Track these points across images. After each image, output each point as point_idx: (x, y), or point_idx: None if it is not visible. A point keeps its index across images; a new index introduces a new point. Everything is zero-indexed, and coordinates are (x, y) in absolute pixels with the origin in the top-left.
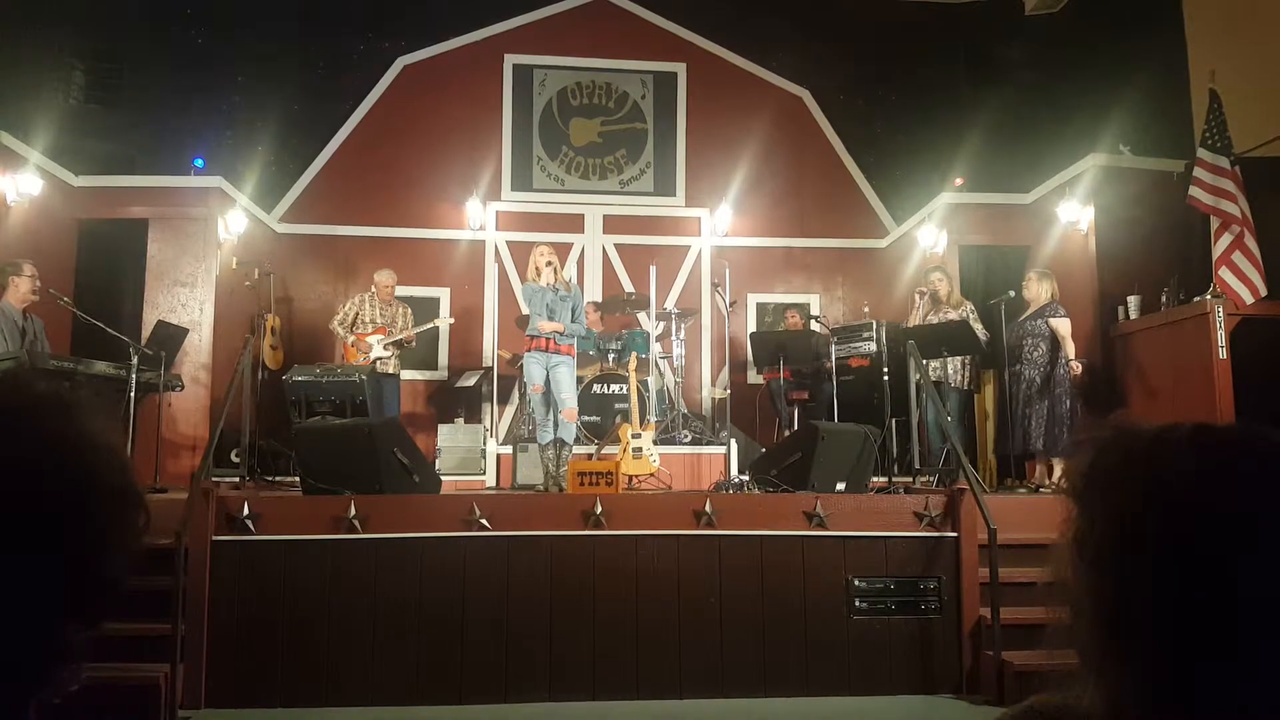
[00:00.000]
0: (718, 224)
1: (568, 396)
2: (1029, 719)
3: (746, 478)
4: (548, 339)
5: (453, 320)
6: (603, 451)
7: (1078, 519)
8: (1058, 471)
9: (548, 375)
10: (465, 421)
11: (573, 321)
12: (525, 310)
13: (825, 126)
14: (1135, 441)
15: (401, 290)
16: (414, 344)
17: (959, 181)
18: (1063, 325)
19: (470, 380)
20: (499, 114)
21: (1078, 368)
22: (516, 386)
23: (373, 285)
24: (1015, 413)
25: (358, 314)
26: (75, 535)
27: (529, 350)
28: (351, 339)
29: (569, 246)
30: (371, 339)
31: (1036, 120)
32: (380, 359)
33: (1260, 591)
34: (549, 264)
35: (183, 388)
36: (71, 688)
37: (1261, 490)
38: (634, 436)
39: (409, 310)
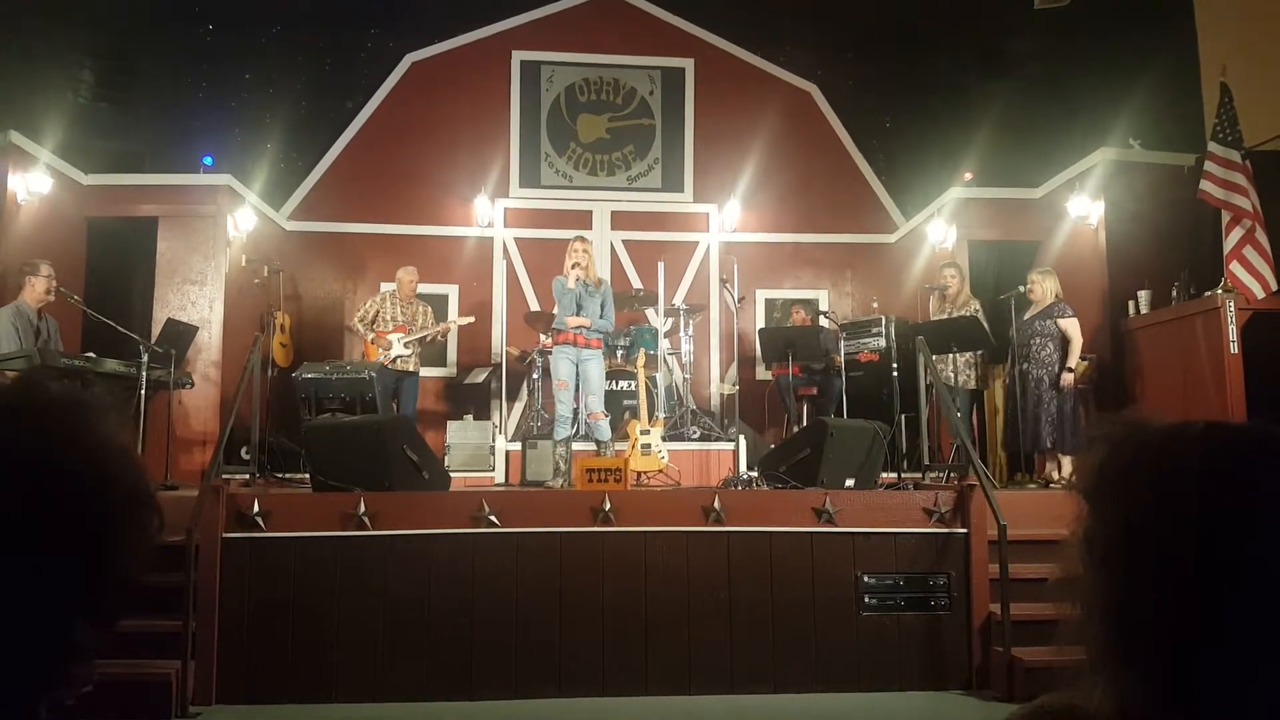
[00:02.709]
0: (726, 219)
1: (595, 399)
2: (1038, 718)
3: (755, 474)
4: (575, 333)
5: (473, 319)
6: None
7: (1088, 516)
8: (1068, 467)
9: (576, 370)
10: (474, 418)
11: (601, 317)
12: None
13: (834, 121)
14: (1147, 439)
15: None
16: (444, 339)
17: (968, 176)
18: (1071, 326)
19: (479, 377)
20: (507, 111)
21: (1070, 380)
22: (525, 383)
23: (393, 282)
24: (1025, 410)
25: (379, 312)
26: (88, 536)
27: (557, 344)
28: (371, 336)
29: None
30: (392, 337)
31: (1046, 114)
32: (400, 357)
33: (1268, 592)
34: (576, 263)
35: (193, 385)
36: (85, 688)
37: (1271, 490)
38: (642, 433)
39: (429, 309)
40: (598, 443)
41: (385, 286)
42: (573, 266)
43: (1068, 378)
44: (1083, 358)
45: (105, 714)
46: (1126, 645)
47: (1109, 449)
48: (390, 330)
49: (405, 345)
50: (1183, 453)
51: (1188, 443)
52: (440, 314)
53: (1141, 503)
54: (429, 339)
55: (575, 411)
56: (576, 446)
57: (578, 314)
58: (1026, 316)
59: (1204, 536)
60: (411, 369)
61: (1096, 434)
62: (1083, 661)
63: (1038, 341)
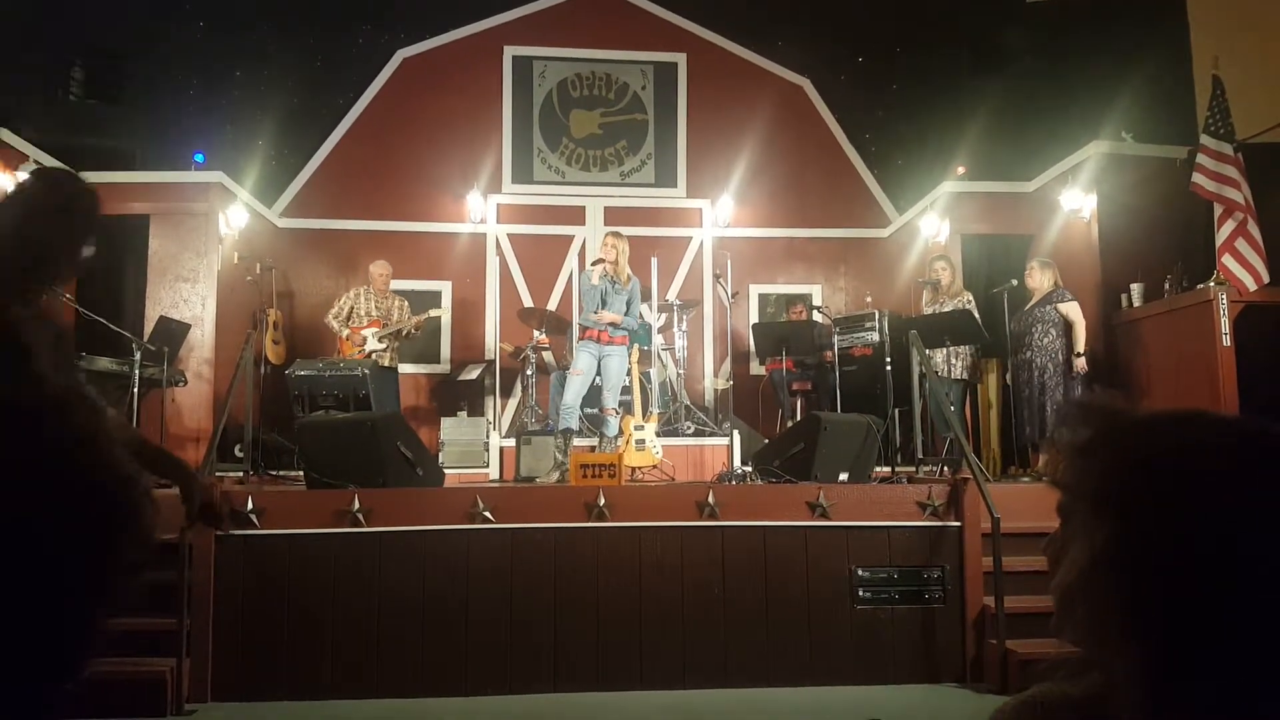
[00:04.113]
0: (719, 215)
1: (610, 395)
2: (1030, 709)
3: (749, 468)
4: (600, 329)
5: (445, 312)
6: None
7: (1077, 507)
8: None
9: (598, 364)
10: (468, 415)
11: (626, 314)
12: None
13: (826, 116)
14: (1135, 430)
15: (403, 284)
16: (420, 333)
17: (961, 170)
18: (1073, 310)
19: (473, 373)
20: (499, 106)
21: (1083, 364)
22: (519, 379)
23: (368, 278)
24: (1031, 399)
25: (353, 307)
26: (88, 528)
27: (581, 340)
28: (346, 332)
29: (570, 239)
30: (366, 332)
31: (1039, 108)
32: (375, 352)
33: (1267, 587)
34: (601, 259)
35: (186, 383)
36: (79, 677)
37: (1269, 484)
38: (637, 428)
39: (405, 303)
40: (601, 437)
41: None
42: (595, 263)
43: (1079, 362)
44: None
45: (100, 712)
46: (1118, 635)
47: (1093, 440)
48: (365, 325)
49: (380, 340)
50: (1178, 445)
51: (1178, 426)
52: (432, 310)
53: (1136, 495)
54: (404, 333)
55: (583, 405)
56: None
57: (602, 309)
58: (1027, 307)
59: (1201, 532)
60: (388, 364)
61: (1075, 423)
62: (1077, 653)
63: (1039, 329)
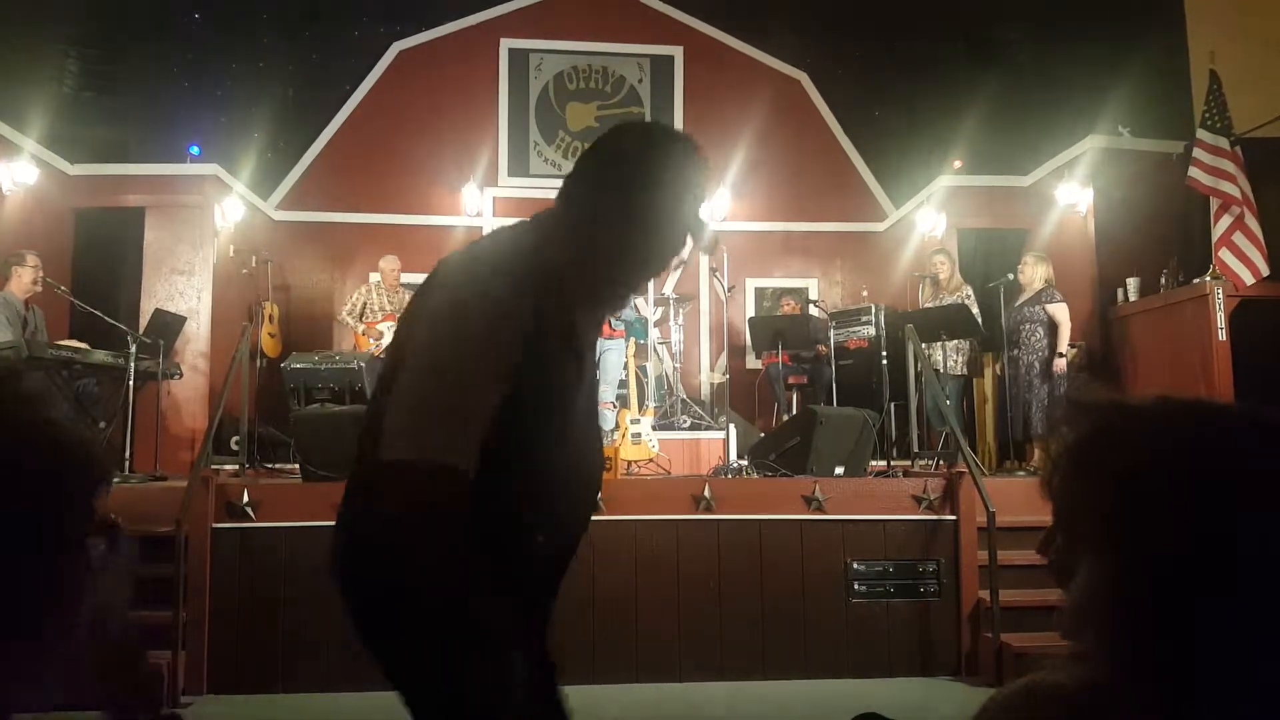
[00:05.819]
0: (715, 209)
1: (608, 389)
2: (1023, 697)
3: (745, 462)
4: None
5: None
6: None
7: (1074, 495)
8: None
9: (597, 360)
10: None
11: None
12: None
13: (823, 109)
14: (1131, 418)
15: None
16: None
17: (957, 164)
18: (1060, 311)
19: None
20: (495, 99)
21: (1062, 366)
22: None
23: (377, 272)
24: (1017, 396)
25: (366, 303)
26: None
27: None
28: (362, 328)
29: None
30: (382, 326)
31: (1035, 102)
32: None
33: (1263, 572)
34: None
35: (181, 376)
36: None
37: (1263, 469)
38: (633, 422)
39: None
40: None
41: (374, 277)
42: None
43: (1059, 363)
44: (1071, 345)
45: (94, 705)
46: (1116, 624)
47: (1089, 430)
48: (380, 320)
49: None
50: (1174, 434)
51: (1178, 422)
52: None
53: (1132, 482)
54: None
55: None
56: None
57: None
58: (1018, 303)
59: (1197, 517)
60: None
61: (1070, 415)
62: (1073, 645)
63: (1027, 328)
